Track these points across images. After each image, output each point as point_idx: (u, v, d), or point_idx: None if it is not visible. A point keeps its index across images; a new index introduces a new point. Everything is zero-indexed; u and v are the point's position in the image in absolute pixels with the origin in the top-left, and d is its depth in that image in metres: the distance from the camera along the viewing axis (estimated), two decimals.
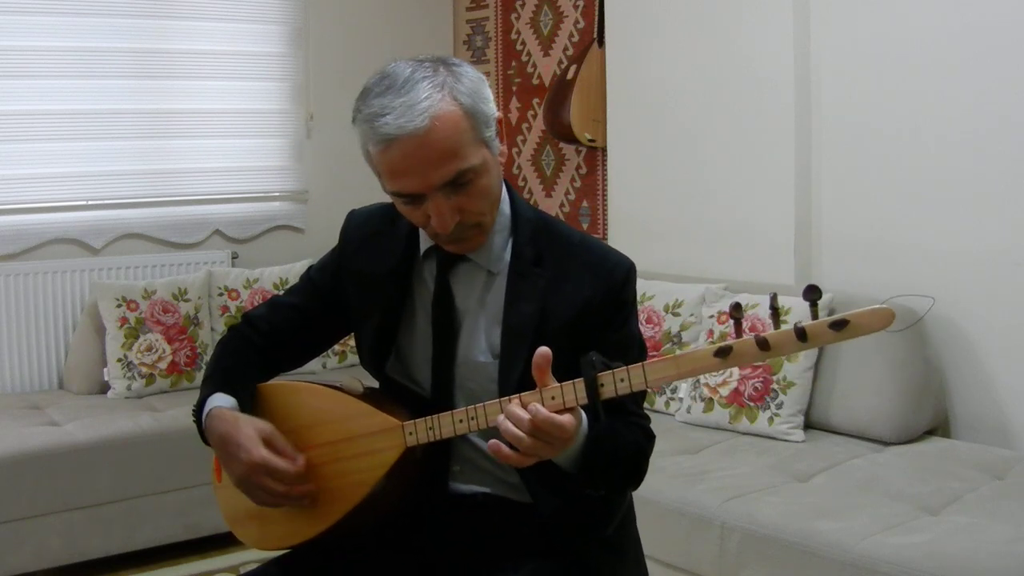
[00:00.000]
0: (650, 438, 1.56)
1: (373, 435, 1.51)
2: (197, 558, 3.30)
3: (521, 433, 1.30)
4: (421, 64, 1.42)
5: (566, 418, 1.30)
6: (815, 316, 1.18)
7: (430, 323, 1.57)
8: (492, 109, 1.45)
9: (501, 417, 1.33)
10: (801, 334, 1.18)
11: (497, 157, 1.47)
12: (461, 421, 1.42)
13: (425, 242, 1.58)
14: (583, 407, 1.34)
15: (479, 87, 1.44)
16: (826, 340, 1.17)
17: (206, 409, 1.58)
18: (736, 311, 1.22)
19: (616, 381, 1.29)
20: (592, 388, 1.30)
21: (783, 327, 1.20)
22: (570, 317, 1.49)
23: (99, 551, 3.15)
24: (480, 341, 1.54)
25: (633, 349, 1.54)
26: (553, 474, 1.45)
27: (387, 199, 1.69)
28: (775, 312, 1.20)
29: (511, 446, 1.32)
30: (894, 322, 1.15)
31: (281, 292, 3.88)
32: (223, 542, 3.27)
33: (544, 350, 1.32)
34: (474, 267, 1.55)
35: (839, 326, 1.15)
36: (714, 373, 3.02)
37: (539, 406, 1.30)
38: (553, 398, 1.32)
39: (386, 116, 1.36)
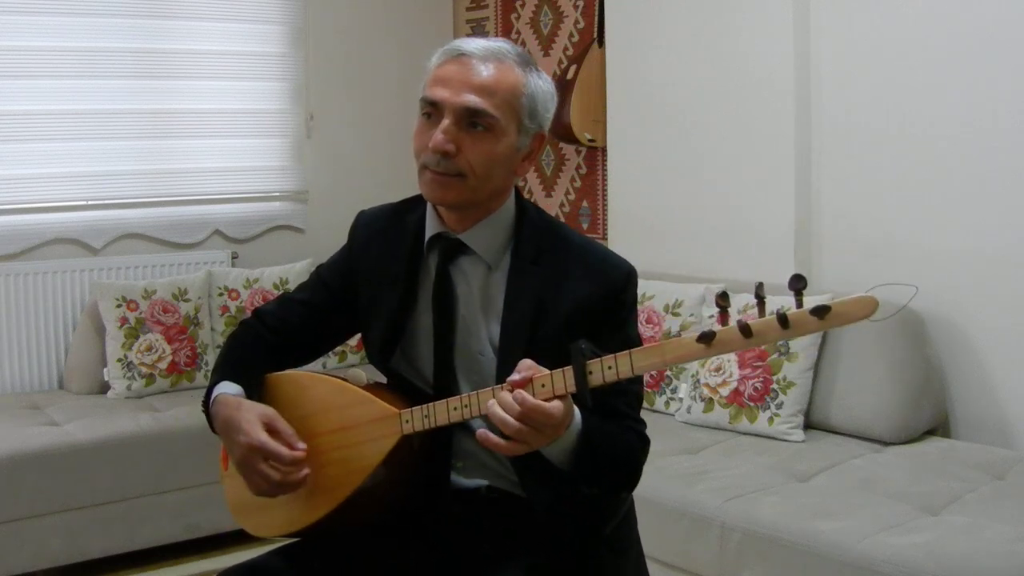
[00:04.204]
0: (645, 442, 1.56)
1: (371, 423, 1.53)
2: (197, 558, 3.30)
3: (510, 419, 1.32)
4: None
5: (554, 405, 1.32)
6: (800, 305, 1.17)
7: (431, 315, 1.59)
8: (544, 118, 1.53)
9: (491, 402, 1.34)
10: (783, 321, 1.18)
11: (515, 154, 1.52)
12: (455, 409, 1.44)
13: (430, 230, 1.60)
14: (573, 396, 1.35)
15: (546, 96, 1.54)
16: (809, 328, 1.17)
17: (212, 396, 1.61)
18: (723, 299, 1.23)
19: (604, 368, 1.30)
20: (581, 374, 1.30)
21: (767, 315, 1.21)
22: (566, 314, 1.49)
23: (99, 551, 3.15)
24: (479, 335, 1.56)
25: None
26: (546, 470, 1.46)
27: (389, 200, 1.73)
28: (760, 301, 1.20)
29: (502, 435, 1.33)
30: (878, 311, 1.14)
31: (282, 292, 3.90)
32: (223, 542, 3.27)
33: (525, 362, 1.34)
34: (475, 260, 1.58)
35: (821, 312, 1.15)
36: (710, 369, 3.03)
37: (526, 394, 1.31)
38: (543, 386, 1.33)
39: (467, 42, 1.52)
